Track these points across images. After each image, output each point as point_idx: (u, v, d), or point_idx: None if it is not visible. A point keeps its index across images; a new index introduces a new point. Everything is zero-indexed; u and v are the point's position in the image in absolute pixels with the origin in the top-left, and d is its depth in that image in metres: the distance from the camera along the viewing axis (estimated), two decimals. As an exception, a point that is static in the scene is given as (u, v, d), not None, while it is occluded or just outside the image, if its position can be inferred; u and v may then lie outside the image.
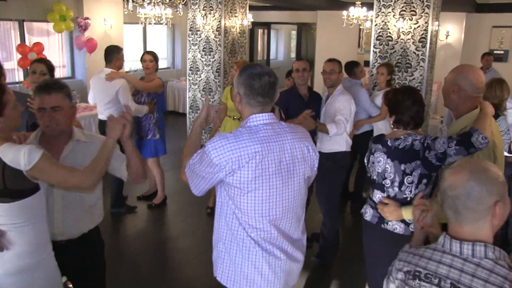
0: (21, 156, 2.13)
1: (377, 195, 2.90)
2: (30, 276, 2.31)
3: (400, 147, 2.72)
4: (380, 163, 2.80)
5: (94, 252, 2.85)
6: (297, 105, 4.59)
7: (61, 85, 2.62)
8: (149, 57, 5.56)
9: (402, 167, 2.70)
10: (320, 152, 4.44)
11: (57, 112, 2.52)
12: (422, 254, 1.64)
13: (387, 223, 2.84)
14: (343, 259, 4.82)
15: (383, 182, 2.83)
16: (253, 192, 2.12)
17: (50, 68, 4.19)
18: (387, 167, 2.76)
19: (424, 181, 2.70)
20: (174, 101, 12.30)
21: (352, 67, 6.17)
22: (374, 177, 2.89)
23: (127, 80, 5.38)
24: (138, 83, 5.55)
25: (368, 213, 2.99)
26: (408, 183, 2.72)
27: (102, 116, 5.51)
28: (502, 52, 11.15)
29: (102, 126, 5.56)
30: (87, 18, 9.49)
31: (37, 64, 4.21)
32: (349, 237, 5.35)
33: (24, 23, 9.11)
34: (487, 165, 1.59)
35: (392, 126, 2.89)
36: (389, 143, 2.78)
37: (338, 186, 4.66)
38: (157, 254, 4.93)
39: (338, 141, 4.46)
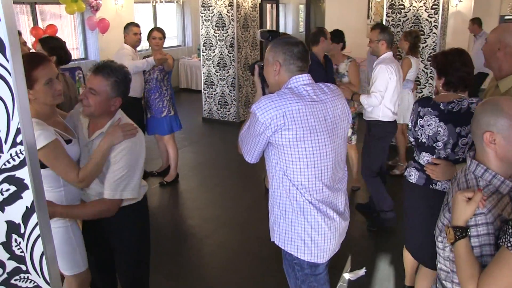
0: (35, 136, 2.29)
1: (425, 158, 2.95)
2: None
3: (454, 110, 2.77)
4: (431, 126, 2.84)
5: (122, 228, 2.76)
6: (317, 70, 4.79)
7: (112, 72, 2.52)
8: (159, 35, 5.56)
9: (457, 129, 2.76)
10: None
11: (91, 95, 2.49)
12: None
13: (435, 184, 2.92)
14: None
15: (434, 145, 2.87)
16: (304, 150, 2.18)
17: None
18: (440, 130, 2.81)
19: None
20: (187, 78, 12.42)
21: None
22: (423, 140, 2.93)
23: (167, 62, 5.48)
24: (169, 66, 5.57)
25: (413, 175, 3.05)
26: (462, 145, 2.78)
27: None
28: (512, 17, 11.11)
29: None
30: (98, -1, 9.55)
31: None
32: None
33: (36, 6, 9.18)
34: (502, 101, 1.76)
35: (441, 88, 2.95)
36: (441, 106, 2.82)
37: (373, 155, 4.73)
38: (180, 226, 5.09)
39: (374, 110, 4.61)
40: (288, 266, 2.48)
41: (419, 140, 2.96)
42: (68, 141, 2.57)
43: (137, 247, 2.84)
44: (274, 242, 2.45)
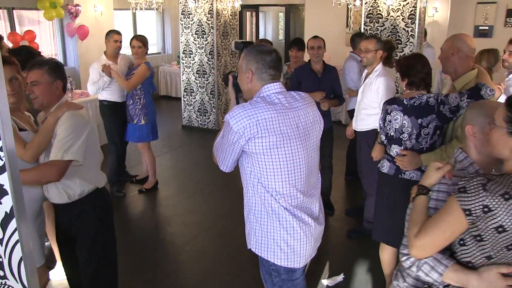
0: None
1: (395, 149, 3.31)
2: None
3: (415, 104, 3.13)
4: (397, 120, 3.21)
5: (81, 215, 2.91)
6: (310, 80, 4.86)
7: (44, 62, 2.78)
8: (138, 43, 5.54)
9: (419, 121, 3.11)
10: (355, 131, 4.72)
11: (35, 87, 2.73)
12: None
13: (404, 173, 3.28)
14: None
15: (400, 137, 3.23)
16: (277, 157, 2.22)
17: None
18: (405, 123, 3.17)
19: (438, 132, 3.12)
20: (167, 86, 12.41)
21: (354, 39, 6.06)
22: (392, 134, 3.28)
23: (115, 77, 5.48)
24: (123, 83, 5.52)
25: (385, 166, 3.41)
26: (425, 135, 3.14)
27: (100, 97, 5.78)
28: (487, 28, 11.32)
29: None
30: (77, 5, 9.45)
31: None
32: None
33: (14, 11, 9.07)
34: (487, 102, 2.13)
35: (405, 88, 3.28)
36: (405, 102, 3.18)
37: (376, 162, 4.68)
38: (159, 233, 5.08)
39: (371, 120, 4.46)
40: (265, 273, 2.50)
41: (388, 135, 3.34)
42: (22, 130, 2.81)
43: (97, 236, 2.96)
44: (250, 249, 2.48)
